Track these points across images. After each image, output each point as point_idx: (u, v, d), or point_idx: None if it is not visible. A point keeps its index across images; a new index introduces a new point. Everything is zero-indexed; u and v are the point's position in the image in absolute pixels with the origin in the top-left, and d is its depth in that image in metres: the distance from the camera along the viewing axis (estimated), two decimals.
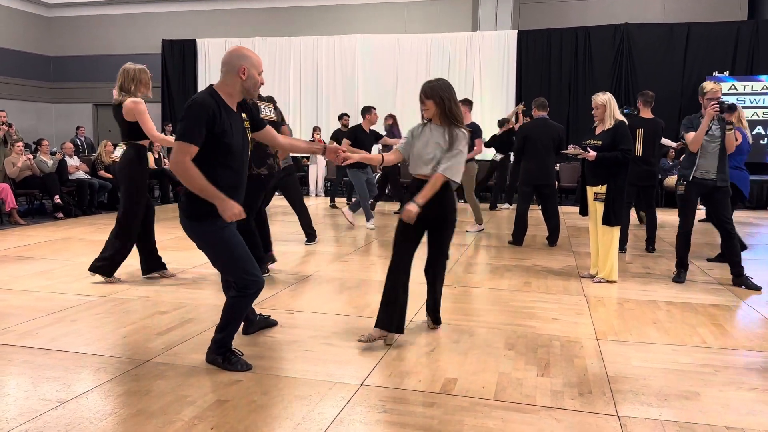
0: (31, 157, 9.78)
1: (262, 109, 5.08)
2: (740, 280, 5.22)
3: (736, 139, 5.18)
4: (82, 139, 14.47)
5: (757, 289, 5.11)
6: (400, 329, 3.63)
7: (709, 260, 6.37)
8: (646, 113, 6.77)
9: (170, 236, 7.68)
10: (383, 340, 3.64)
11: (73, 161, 10.56)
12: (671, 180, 10.05)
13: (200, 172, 2.89)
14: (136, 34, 16.57)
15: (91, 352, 3.50)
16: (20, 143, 9.73)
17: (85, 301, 4.57)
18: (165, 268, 5.49)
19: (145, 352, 3.48)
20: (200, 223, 3.03)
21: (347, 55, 14.78)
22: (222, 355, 3.25)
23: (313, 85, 15.00)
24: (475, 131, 8.04)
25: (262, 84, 3.17)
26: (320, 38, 14.99)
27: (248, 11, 15.95)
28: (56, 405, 2.78)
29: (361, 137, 7.99)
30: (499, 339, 3.79)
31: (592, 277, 5.48)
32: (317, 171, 13.68)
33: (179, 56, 16.06)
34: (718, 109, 5.00)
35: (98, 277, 5.24)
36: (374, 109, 8.31)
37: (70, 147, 10.85)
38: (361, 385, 3.06)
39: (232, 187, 3.04)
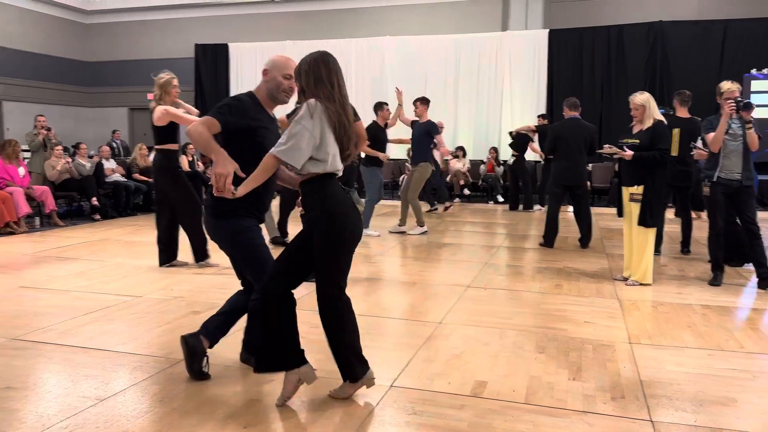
0: (69, 160, 10.05)
1: None
2: (766, 282, 5.10)
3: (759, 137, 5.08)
4: (118, 142, 14.80)
5: None
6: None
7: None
8: (683, 113, 6.65)
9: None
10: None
11: (109, 164, 10.81)
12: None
13: (211, 135, 2.87)
14: (170, 39, 16.89)
15: (128, 350, 3.58)
16: (59, 147, 10.01)
17: (121, 301, 4.68)
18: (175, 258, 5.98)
19: (179, 352, 3.54)
20: (225, 222, 3.01)
21: (376, 56, 14.82)
22: (254, 355, 3.29)
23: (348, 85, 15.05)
24: (431, 129, 8.08)
25: (290, 88, 3.09)
26: (350, 41, 15.06)
27: (279, 15, 16.12)
28: (95, 402, 2.86)
29: (380, 136, 7.94)
30: (529, 342, 3.76)
31: (626, 279, 5.40)
32: None
33: (212, 60, 16.31)
34: (734, 107, 4.91)
35: (134, 277, 5.37)
36: (386, 105, 8.23)
37: (107, 150, 11.11)
38: (391, 386, 3.07)
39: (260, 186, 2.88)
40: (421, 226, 8.18)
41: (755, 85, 12.31)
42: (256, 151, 2.90)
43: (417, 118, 8.39)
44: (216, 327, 3.19)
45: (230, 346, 3.65)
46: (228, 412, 2.76)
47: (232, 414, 2.74)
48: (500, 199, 12.73)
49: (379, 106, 8.18)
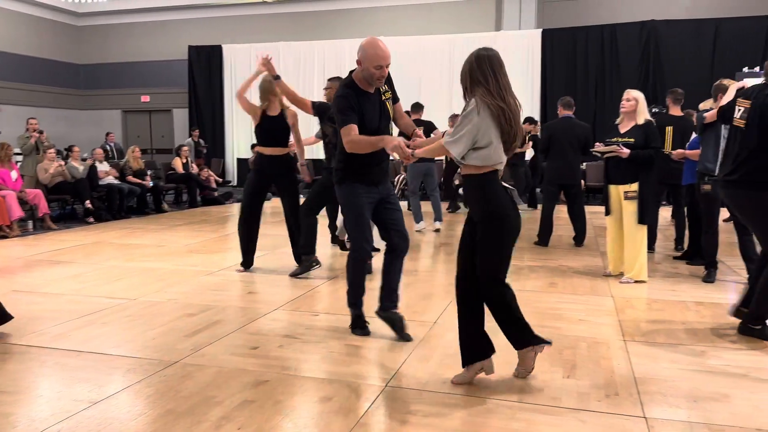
0: (62, 163, 10.01)
1: None
2: None
3: None
4: (112, 144, 14.74)
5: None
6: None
7: (675, 258, 6.30)
8: (675, 111, 6.69)
9: (198, 240, 7.79)
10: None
11: (102, 167, 10.77)
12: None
13: (361, 137, 3.52)
14: (163, 41, 16.86)
15: (122, 353, 3.57)
16: (52, 150, 9.96)
17: (115, 304, 4.67)
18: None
19: (173, 354, 3.55)
20: (340, 186, 3.71)
21: None
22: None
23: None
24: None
25: (382, 76, 3.57)
26: (344, 41, 15.06)
27: (272, 16, 16.11)
28: (88, 405, 2.85)
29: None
30: None
31: (614, 275, 5.45)
32: None
33: (205, 62, 16.29)
34: (745, 86, 4.85)
35: (128, 280, 5.35)
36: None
37: (100, 153, 11.07)
38: (386, 385, 3.07)
39: (369, 156, 3.58)
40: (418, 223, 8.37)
41: (748, 82, 12.35)
42: (360, 128, 3.54)
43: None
44: None
45: (224, 348, 3.65)
46: (222, 414, 2.75)
47: (226, 415, 2.74)
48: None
49: (417, 107, 8.44)
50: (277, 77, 5.26)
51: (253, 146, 10.54)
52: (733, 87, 4.96)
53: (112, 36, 17.34)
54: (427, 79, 14.42)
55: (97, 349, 3.65)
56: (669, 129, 6.40)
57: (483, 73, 2.97)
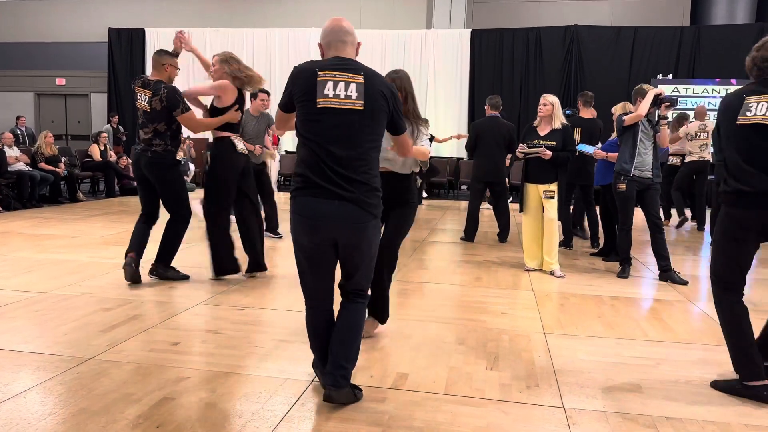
0: None
1: (138, 97, 4.83)
2: (667, 275, 5.44)
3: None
4: (23, 129, 13.91)
5: (684, 283, 5.34)
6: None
7: (591, 255, 6.64)
8: (585, 113, 7.04)
9: (115, 231, 7.46)
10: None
11: (12, 152, 10.13)
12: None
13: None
14: (82, 22, 16.01)
15: (31, 350, 3.36)
16: None
17: (24, 298, 4.39)
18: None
19: (88, 350, 3.37)
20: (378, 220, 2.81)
21: (301, 48, 14.63)
22: None
23: (266, 79, 14.78)
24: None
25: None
26: (273, 30, 14.81)
27: (200, 1, 15.62)
28: None
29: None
30: (450, 334, 3.83)
31: (530, 270, 5.74)
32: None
33: (126, 45, 15.59)
34: (662, 93, 5.19)
35: (39, 272, 5.05)
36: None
37: (10, 137, 10.40)
38: (312, 381, 3.03)
39: None
40: None
41: (663, 89, 13.05)
42: None
43: None
44: None
45: (142, 343, 3.51)
46: (140, 412, 2.64)
47: (144, 414, 2.63)
48: (424, 194, 12.89)
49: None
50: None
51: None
52: (651, 93, 5.25)
53: (26, 13, 16.31)
54: None
55: (4, 345, 3.42)
56: (577, 131, 6.74)
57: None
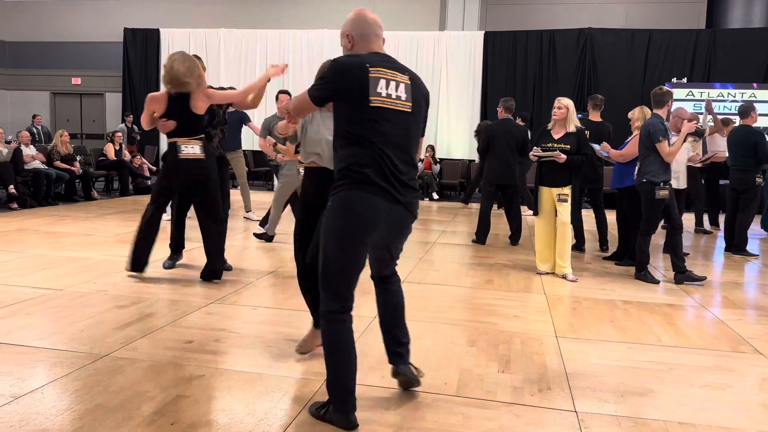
0: None
1: None
2: (684, 276, 5.55)
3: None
4: (39, 127, 14.07)
5: (703, 279, 5.50)
6: None
7: (604, 258, 6.63)
8: (594, 116, 7.04)
9: (129, 229, 7.53)
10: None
11: (29, 150, 10.25)
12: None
13: None
14: (98, 22, 16.18)
15: (47, 346, 3.41)
16: None
17: (40, 294, 4.45)
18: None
19: (103, 347, 3.41)
20: None
21: (314, 49, 14.70)
22: None
23: (279, 79, 14.85)
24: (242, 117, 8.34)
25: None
26: (287, 32, 14.87)
27: (214, 2, 15.73)
28: (9, 400, 2.71)
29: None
30: (461, 336, 3.83)
31: (542, 273, 5.71)
32: None
33: (141, 46, 15.73)
34: (695, 132, 5.46)
35: (54, 270, 5.11)
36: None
37: (26, 136, 10.52)
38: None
39: None
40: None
41: (676, 93, 12.99)
42: None
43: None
44: None
45: (156, 341, 3.54)
46: (154, 409, 2.67)
47: (159, 410, 2.66)
48: (435, 196, 12.89)
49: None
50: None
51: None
52: (685, 130, 5.47)
53: (43, 13, 16.51)
54: None
55: (21, 341, 3.47)
56: (586, 133, 6.73)
57: None
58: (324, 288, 2.58)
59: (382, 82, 2.50)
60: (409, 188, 2.58)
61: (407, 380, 2.92)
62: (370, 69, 2.48)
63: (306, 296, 3.39)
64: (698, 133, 5.62)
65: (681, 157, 6.59)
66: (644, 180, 5.46)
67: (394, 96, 2.52)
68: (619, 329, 4.10)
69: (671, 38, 13.28)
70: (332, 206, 2.52)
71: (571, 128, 5.49)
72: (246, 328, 3.86)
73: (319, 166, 3.25)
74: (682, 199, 6.77)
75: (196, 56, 4.94)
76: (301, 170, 3.41)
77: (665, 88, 5.58)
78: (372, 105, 2.47)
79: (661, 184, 5.40)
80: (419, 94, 2.63)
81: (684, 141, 5.54)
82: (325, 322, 2.59)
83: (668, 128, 5.47)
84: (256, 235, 7.13)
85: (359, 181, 2.47)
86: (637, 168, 5.73)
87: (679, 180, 6.59)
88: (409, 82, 2.60)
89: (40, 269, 5.24)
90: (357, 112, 2.48)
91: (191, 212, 5.36)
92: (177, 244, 5.49)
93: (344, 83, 2.48)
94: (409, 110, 2.58)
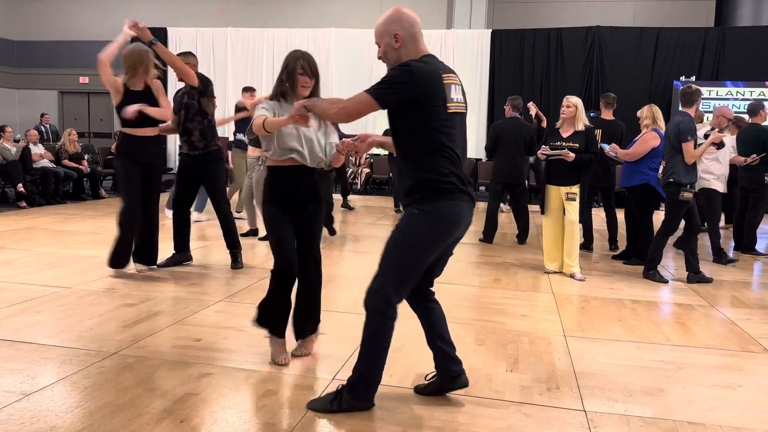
0: None
1: None
2: (698, 276, 5.56)
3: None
4: (47, 126, 14.15)
5: (709, 281, 5.52)
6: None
7: (613, 258, 6.60)
8: (607, 115, 6.99)
9: None
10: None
11: (37, 149, 10.30)
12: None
13: None
14: (106, 20, 16.23)
15: (57, 343, 3.42)
16: None
17: (49, 292, 4.47)
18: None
19: (112, 345, 3.43)
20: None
21: (321, 48, 14.69)
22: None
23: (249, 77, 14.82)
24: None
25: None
26: (294, 30, 14.87)
27: (222, 1, 15.76)
28: (20, 397, 2.72)
29: None
30: (469, 335, 3.83)
31: (550, 272, 5.70)
32: None
33: (149, 45, 15.75)
34: (717, 144, 5.70)
35: (63, 268, 5.13)
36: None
37: (35, 134, 10.58)
38: (333, 379, 3.06)
39: None
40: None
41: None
42: None
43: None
44: None
45: (165, 339, 3.55)
46: (164, 406, 2.68)
47: (168, 408, 2.67)
48: None
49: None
50: (154, 41, 4.91)
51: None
52: (708, 141, 5.59)
53: (51, 12, 16.59)
54: (378, 72, 14.40)
55: (30, 338, 3.49)
56: (598, 132, 6.68)
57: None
58: (394, 286, 2.57)
59: (452, 87, 2.57)
60: (471, 185, 2.67)
61: (464, 383, 2.88)
62: (443, 76, 2.54)
63: (282, 305, 3.23)
64: (720, 145, 5.72)
65: (724, 159, 6.54)
66: (671, 180, 5.41)
67: (456, 100, 2.59)
68: (627, 328, 4.08)
69: (680, 36, 13.20)
70: (423, 215, 2.54)
71: (580, 127, 5.47)
72: (254, 327, 3.85)
73: (298, 164, 3.12)
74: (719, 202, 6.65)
75: (189, 53, 5.10)
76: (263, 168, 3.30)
77: (694, 86, 5.51)
78: (449, 111, 2.54)
79: (688, 186, 5.37)
80: (465, 94, 2.72)
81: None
82: (383, 317, 2.59)
83: (695, 129, 5.45)
84: (241, 234, 7.07)
85: (448, 191, 2.54)
86: (661, 167, 5.70)
87: (721, 181, 6.53)
88: (459, 83, 2.67)
89: (49, 267, 5.27)
90: (437, 120, 2.52)
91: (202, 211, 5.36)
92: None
93: (426, 89, 2.49)
94: (465, 111, 2.66)
